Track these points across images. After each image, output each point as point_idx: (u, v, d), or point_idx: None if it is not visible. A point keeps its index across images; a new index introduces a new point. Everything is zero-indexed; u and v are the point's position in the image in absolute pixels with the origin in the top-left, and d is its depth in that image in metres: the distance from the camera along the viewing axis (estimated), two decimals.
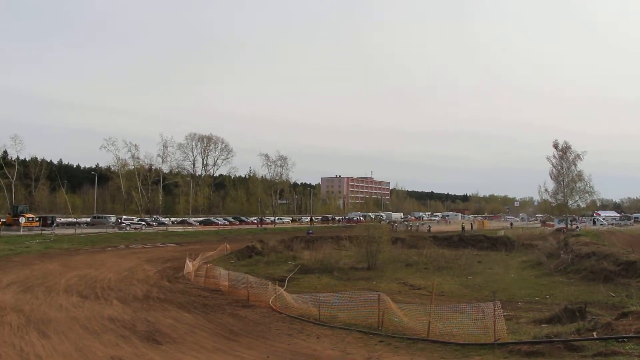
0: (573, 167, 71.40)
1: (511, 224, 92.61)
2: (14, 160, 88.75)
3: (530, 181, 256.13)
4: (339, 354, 14.91)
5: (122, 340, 16.62)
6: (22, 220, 62.85)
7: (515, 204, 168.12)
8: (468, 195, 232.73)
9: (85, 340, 16.51)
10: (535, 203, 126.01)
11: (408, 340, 15.75)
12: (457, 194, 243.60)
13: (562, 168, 71.77)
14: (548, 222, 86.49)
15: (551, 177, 72.95)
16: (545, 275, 31.87)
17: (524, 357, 13.45)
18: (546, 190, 75.30)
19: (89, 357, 14.47)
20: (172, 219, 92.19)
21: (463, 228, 75.45)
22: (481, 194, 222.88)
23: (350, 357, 14.50)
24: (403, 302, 19.84)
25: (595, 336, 14.29)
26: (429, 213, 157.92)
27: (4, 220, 66.40)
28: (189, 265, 32.28)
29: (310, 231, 68.61)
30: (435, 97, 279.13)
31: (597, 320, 15.81)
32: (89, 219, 79.52)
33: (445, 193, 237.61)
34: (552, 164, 72.28)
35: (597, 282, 27.44)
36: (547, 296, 24.91)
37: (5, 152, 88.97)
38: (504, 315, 15.70)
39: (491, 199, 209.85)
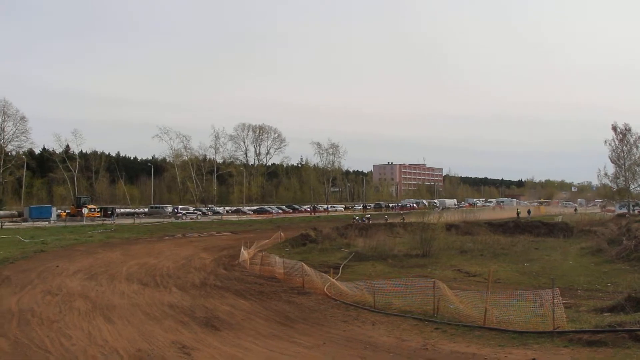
0: (635, 149, 68.68)
1: (575, 209, 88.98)
2: (76, 154, 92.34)
3: (588, 165, 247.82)
4: (394, 340, 14.95)
5: (182, 326, 17.14)
6: (85, 211, 65.40)
7: (573, 189, 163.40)
8: (523, 180, 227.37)
9: (147, 325, 17.11)
10: (594, 188, 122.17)
11: (464, 327, 15.67)
12: (511, 179, 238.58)
13: (623, 151, 69.11)
14: (608, 208, 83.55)
15: (611, 160, 70.41)
16: (606, 263, 30.86)
17: (585, 347, 13.14)
18: (606, 174, 72.72)
19: (152, 342, 14.98)
20: (227, 208, 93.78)
21: (518, 214, 73.67)
22: (537, 179, 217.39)
23: (406, 344, 14.52)
24: (458, 289, 19.67)
25: None
26: (483, 199, 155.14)
27: (68, 211, 69.32)
28: (244, 254, 32.83)
29: (364, 218, 68.48)
30: (487, 81, 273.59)
31: None
32: (146, 209, 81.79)
33: (500, 178, 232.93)
34: (612, 147, 69.72)
35: None
36: (609, 284, 24.14)
37: (67, 146, 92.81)
38: (563, 303, 15.38)
39: (547, 184, 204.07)
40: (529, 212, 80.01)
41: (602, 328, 14.14)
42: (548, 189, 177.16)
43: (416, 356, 13.40)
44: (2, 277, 25.34)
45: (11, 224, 57.28)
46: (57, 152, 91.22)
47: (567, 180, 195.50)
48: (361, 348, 14.34)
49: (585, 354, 12.51)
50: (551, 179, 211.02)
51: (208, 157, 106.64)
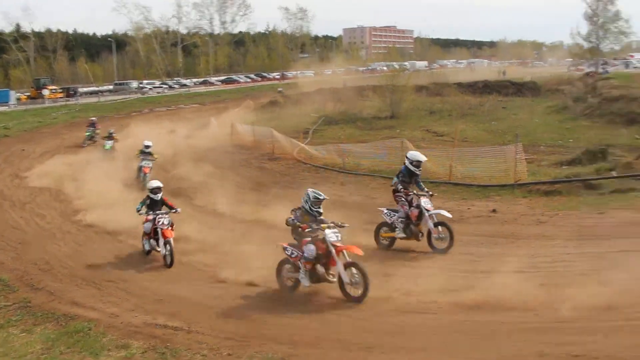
0: (610, 5, 67.56)
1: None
2: (29, 33, 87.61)
3: (562, 24, 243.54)
4: (363, 199, 15.52)
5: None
6: (45, 92, 62.97)
7: (544, 49, 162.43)
8: (495, 41, 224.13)
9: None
10: (566, 47, 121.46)
11: (431, 183, 16.08)
12: (483, 39, 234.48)
13: (598, 8, 67.97)
14: (578, 67, 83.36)
15: (585, 18, 69.43)
16: (570, 120, 31.43)
17: (542, 196, 13.91)
18: (579, 33, 71.94)
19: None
20: (194, 80, 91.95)
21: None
22: (509, 40, 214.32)
23: (374, 202, 15.07)
24: (427, 148, 20.06)
25: (613, 175, 14.59)
26: (454, 60, 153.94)
27: (28, 94, 66.90)
28: (214, 123, 32.69)
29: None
30: None
31: (617, 161, 16.03)
32: (111, 87, 79.44)
33: (472, 39, 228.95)
34: (587, 3, 68.34)
35: (623, 125, 27.11)
36: (571, 140, 24.86)
37: (17, 25, 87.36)
38: (525, 159, 15.97)
39: (519, 44, 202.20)
40: (504, 73, 79.65)
41: (559, 179, 14.86)
42: (519, 49, 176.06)
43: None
44: None
45: None
46: (7, 31, 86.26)
47: (540, 40, 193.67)
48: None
49: (541, 202, 13.26)
50: (523, 39, 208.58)
51: (171, 28, 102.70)
